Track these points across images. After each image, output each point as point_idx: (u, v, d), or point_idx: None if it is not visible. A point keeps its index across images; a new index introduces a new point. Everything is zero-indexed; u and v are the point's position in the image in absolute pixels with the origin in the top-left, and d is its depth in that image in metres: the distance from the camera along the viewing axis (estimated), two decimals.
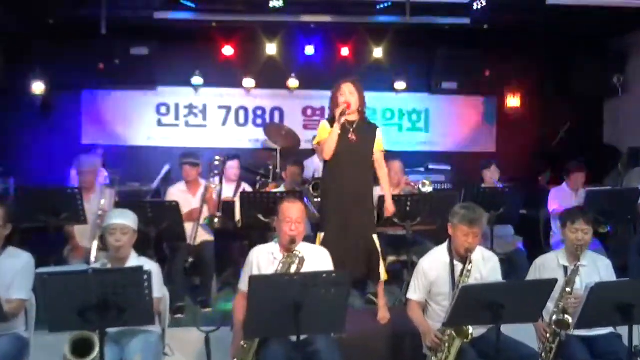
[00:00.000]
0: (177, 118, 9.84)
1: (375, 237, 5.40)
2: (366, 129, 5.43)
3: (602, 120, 10.25)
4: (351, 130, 5.31)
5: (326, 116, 5.65)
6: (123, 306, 3.51)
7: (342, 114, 5.23)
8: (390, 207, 5.55)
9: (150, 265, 4.22)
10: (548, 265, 4.68)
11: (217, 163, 6.81)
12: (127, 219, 4.42)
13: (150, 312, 3.69)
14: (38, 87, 8.69)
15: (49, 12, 8.04)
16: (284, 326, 3.64)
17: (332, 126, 5.28)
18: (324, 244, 5.17)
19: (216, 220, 6.43)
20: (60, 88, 9.07)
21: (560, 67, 9.68)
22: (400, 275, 6.24)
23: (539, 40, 9.34)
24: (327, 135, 5.30)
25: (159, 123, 9.81)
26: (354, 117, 5.36)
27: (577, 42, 9.45)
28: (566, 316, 4.33)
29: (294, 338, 3.70)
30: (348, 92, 5.33)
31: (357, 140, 5.31)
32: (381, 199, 5.66)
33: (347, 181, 5.31)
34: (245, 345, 4.19)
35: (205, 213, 6.52)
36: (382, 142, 5.49)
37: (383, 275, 5.42)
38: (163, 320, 4.55)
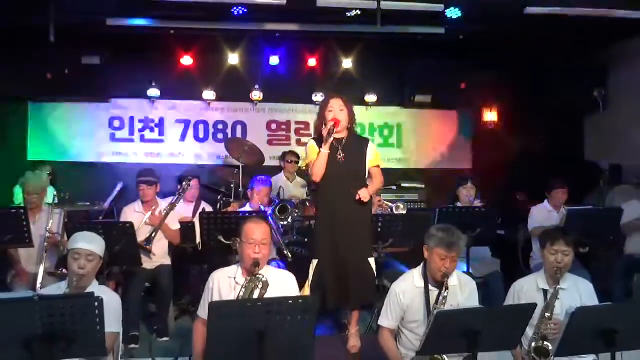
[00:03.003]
0: (131, 132, 9.79)
1: (372, 260, 5.41)
2: (355, 145, 5.41)
3: (582, 136, 10.41)
4: (340, 148, 5.29)
5: (311, 132, 5.57)
6: (72, 336, 3.45)
7: (330, 133, 5.19)
8: (363, 194, 5.26)
9: (111, 297, 4.18)
10: (527, 290, 4.72)
11: (185, 184, 6.86)
12: (94, 245, 4.34)
13: (102, 342, 3.63)
14: None
15: None
16: (247, 356, 3.62)
17: (320, 146, 5.27)
18: (317, 271, 5.26)
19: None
20: (5, 99, 8.97)
21: (539, 80, 9.82)
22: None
23: (516, 51, 9.47)
24: (314, 156, 5.30)
25: (112, 138, 9.76)
26: (342, 134, 5.34)
27: (556, 54, 9.59)
28: (546, 343, 4.38)
29: None
30: (338, 108, 5.31)
31: (345, 160, 5.30)
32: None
33: (339, 204, 5.30)
34: None
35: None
36: (376, 157, 5.47)
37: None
38: (117, 352, 4.50)
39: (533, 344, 4.43)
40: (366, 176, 5.44)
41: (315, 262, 5.37)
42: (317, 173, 5.26)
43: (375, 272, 5.40)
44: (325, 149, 5.22)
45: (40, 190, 6.43)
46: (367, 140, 5.55)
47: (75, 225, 5.77)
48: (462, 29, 8.22)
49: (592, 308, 4.29)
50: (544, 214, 7.19)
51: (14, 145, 9.34)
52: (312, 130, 9.69)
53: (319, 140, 5.31)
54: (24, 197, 6.43)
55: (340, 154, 5.28)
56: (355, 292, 5.31)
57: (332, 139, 5.22)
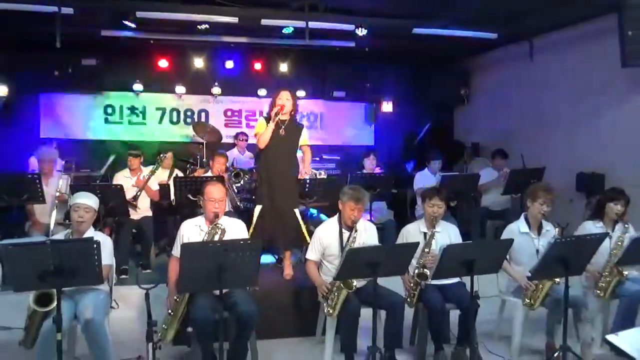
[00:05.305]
0: (121, 117, 9.55)
1: (297, 211, 5.39)
2: (294, 127, 5.38)
3: (452, 122, 10.62)
4: (282, 127, 5.26)
5: (264, 114, 5.57)
6: (75, 270, 3.38)
7: (277, 114, 5.19)
8: (304, 172, 5.58)
9: (104, 239, 4.12)
10: (412, 232, 4.78)
11: (162, 156, 6.86)
12: (90, 201, 4.26)
13: (99, 274, 3.56)
14: (1, 90, 8.20)
15: (10, 28, 7.60)
16: (209, 283, 3.60)
17: (267, 123, 5.24)
18: (260, 215, 5.26)
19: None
20: (21, 91, 8.69)
21: (423, 81, 9.94)
22: None
23: (407, 59, 9.59)
24: (262, 130, 5.26)
25: (106, 121, 9.49)
26: (285, 117, 5.31)
27: (434, 62, 9.73)
28: (425, 270, 4.46)
29: (217, 292, 3.67)
30: (285, 98, 5.30)
31: (285, 135, 5.27)
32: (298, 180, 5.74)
33: (276, 167, 5.29)
34: (178, 299, 4.14)
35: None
36: (306, 138, 5.48)
37: (308, 239, 5.42)
38: (111, 281, 4.43)
39: (416, 271, 4.51)
40: (297, 149, 5.46)
41: (258, 207, 5.35)
42: (263, 141, 5.22)
43: (300, 220, 5.39)
44: (271, 125, 5.19)
45: (52, 160, 6.31)
46: (302, 126, 5.53)
47: (78, 187, 5.62)
48: (367, 43, 8.22)
49: (457, 245, 4.39)
50: (425, 178, 7.30)
51: (29, 127, 9.02)
52: (257, 116, 9.79)
53: (267, 119, 5.28)
54: (39, 165, 6.27)
55: (282, 131, 5.25)
56: (284, 236, 5.32)
57: (277, 118, 5.21)
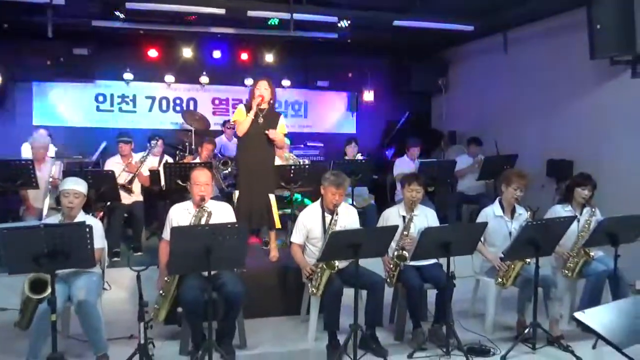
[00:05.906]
0: (112, 105, 9.40)
1: (272, 196, 5.37)
2: (272, 116, 5.31)
3: (430, 111, 10.63)
4: (261, 115, 5.20)
5: (244, 101, 5.47)
6: (68, 253, 3.35)
7: (258, 105, 5.13)
8: (272, 134, 5.20)
9: (94, 222, 4.06)
10: (391, 216, 4.79)
11: (153, 143, 6.78)
12: (79, 186, 4.19)
13: (91, 257, 3.54)
14: None
15: (4, 18, 7.51)
16: (198, 264, 3.60)
17: (247, 111, 5.18)
18: (238, 199, 5.23)
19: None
20: (15, 80, 8.55)
21: (402, 72, 9.93)
22: (286, 224, 6.27)
23: (387, 50, 9.56)
24: (241, 117, 5.20)
25: (98, 109, 9.33)
26: (264, 106, 5.24)
27: (414, 53, 9.72)
28: (404, 252, 4.49)
29: (206, 273, 3.66)
30: (263, 87, 5.21)
31: (263, 124, 5.20)
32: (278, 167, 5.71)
33: (254, 153, 5.24)
34: (168, 280, 4.12)
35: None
36: (283, 127, 5.39)
37: (277, 224, 5.43)
38: (103, 263, 4.39)
39: (396, 253, 4.53)
40: None
41: (237, 192, 5.33)
42: (242, 130, 5.17)
43: (273, 204, 5.34)
44: (251, 115, 5.15)
45: (44, 147, 6.19)
46: (279, 114, 5.46)
47: (70, 173, 5.55)
48: (349, 35, 8.19)
49: (435, 228, 4.43)
50: (404, 164, 7.32)
51: (22, 114, 8.84)
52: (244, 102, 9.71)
53: (247, 108, 5.23)
54: (32, 151, 6.17)
55: (260, 119, 5.20)
56: (258, 216, 5.28)
57: (257, 109, 5.16)
